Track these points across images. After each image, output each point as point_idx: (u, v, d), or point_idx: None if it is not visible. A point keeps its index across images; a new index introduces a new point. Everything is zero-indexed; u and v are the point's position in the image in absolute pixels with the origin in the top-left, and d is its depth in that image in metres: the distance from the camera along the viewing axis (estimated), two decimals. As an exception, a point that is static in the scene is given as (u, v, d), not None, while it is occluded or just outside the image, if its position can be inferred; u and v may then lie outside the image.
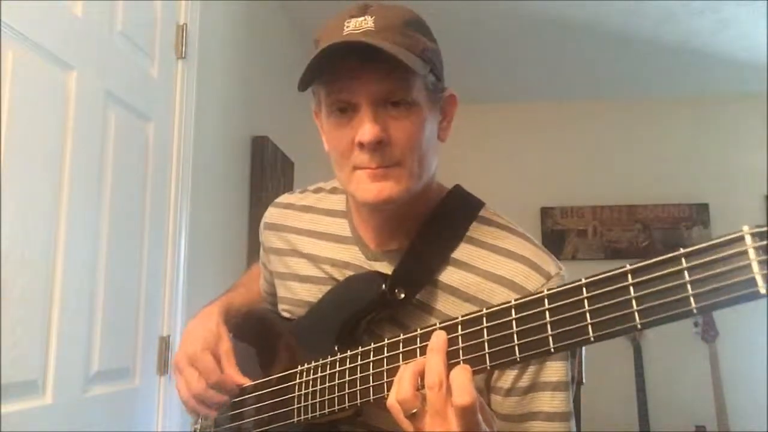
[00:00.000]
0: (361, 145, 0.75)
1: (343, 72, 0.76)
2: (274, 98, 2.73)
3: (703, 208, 4.07)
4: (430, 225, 0.85)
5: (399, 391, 0.63)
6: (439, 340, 0.63)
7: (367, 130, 0.75)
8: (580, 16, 3.10)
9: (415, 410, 0.62)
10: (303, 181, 2.89)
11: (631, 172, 4.17)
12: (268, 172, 2.60)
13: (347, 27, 0.76)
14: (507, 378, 0.79)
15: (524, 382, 0.79)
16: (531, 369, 0.79)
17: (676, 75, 3.85)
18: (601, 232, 4.15)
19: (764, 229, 0.46)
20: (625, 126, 4.24)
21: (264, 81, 2.69)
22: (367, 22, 0.76)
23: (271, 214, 1.03)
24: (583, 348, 1.51)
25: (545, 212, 4.20)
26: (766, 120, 3.86)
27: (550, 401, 0.78)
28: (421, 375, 0.63)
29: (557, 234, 4.14)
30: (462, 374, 0.60)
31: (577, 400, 1.48)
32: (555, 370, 0.79)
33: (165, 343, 1.76)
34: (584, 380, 1.49)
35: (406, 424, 0.64)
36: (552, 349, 0.57)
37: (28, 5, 1.25)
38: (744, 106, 4.06)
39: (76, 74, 1.40)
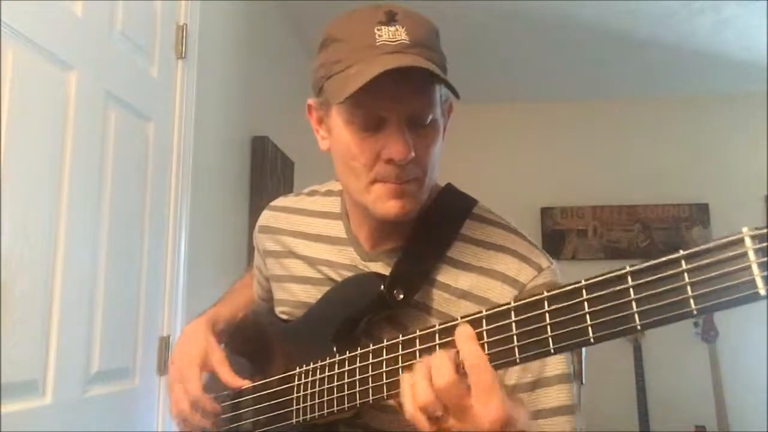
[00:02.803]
0: (391, 161, 0.76)
1: (377, 87, 0.72)
2: (274, 98, 2.73)
3: (703, 208, 4.07)
4: (425, 225, 0.85)
5: (418, 397, 0.61)
6: (467, 329, 0.63)
7: (401, 148, 0.75)
8: (580, 16, 3.10)
9: (439, 413, 0.61)
10: (303, 181, 2.89)
11: (631, 172, 4.17)
12: (268, 172, 2.60)
13: (379, 36, 0.75)
14: (511, 375, 0.80)
15: (529, 377, 0.79)
16: (535, 364, 0.79)
17: (676, 75, 3.85)
18: (601, 232, 4.15)
19: (764, 231, 0.46)
20: (625, 126, 4.24)
21: (264, 81, 2.69)
22: (399, 34, 0.75)
23: (266, 217, 1.03)
24: (583, 348, 1.51)
25: (545, 212, 4.20)
26: (766, 120, 3.86)
27: (557, 395, 0.79)
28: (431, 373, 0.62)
29: (557, 234, 4.14)
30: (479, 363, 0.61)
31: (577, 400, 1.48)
32: (557, 362, 0.79)
33: (165, 343, 1.75)
34: (584, 380, 1.49)
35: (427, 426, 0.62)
36: (552, 350, 0.58)
37: (28, 5, 1.25)
38: (744, 106, 4.06)
39: (76, 74, 1.40)
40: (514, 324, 0.61)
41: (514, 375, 0.80)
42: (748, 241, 0.46)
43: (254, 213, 2.41)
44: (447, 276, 0.83)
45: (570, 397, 0.79)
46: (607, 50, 3.49)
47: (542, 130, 4.30)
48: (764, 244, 0.45)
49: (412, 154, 0.76)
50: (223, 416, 0.95)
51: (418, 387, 0.62)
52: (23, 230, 1.22)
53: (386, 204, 0.78)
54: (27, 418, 1.22)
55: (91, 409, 1.43)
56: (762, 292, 0.45)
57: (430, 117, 0.78)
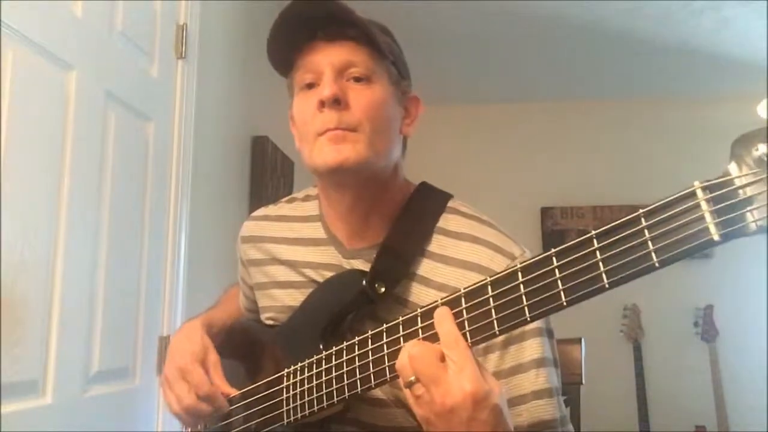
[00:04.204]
0: (322, 104, 0.80)
1: (310, 50, 0.83)
2: (274, 98, 2.72)
3: (703, 208, 4.07)
4: (403, 220, 0.88)
5: (398, 360, 0.65)
6: (443, 310, 0.66)
7: (326, 86, 0.80)
8: (580, 16, 3.10)
9: (412, 378, 0.63)
10: (303, 181, 2.89)
11: (631, 172, 4.16)
12: (268, 172, 2.60)
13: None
14: (490, 363, 0.81)
15: (507, 364, 0.80)
16: (512, 350, 0.80)
17: (676, 75, 3.85)
18: (601, 232, 4.15)
19: (713, 181, 0.50)
20: (626, 126, 4.23)
21: (264, 81, 2.69)
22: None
23: (248, 228, 1.05)
24: (583, 348, 1.51)
25: (545, 212, 4.20)
26: (766, 120, 3.85)
27: (535, 379, 0.80)
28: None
29: (557, 234, 4.14)
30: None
31: (576, 400, 1.48)
32: (535, 347, 0.80)
33: (165, 343, 1.75)
34: (584, 380, 1.49)
35: (409, 395, 0.65)
36: (528, 318, 0.60)
37: (28, 5, 1.25)
38: (744, 106, 4.05)
39: (76, 74, 1.40)
40: (491, 298, 0.63)
41: (492, 362, 0.81)
42: (699, 193, 0.50)
43: (254, 213, 2.41)
44: (426, 269, 0.85)
45: (549, 381, 0.80)
46: (607, 50, 3.49)
47: (542, 130, 4.30)
48: (714, 194, 0.49)
49: (340, 93, 0.80)
50: (217, 423, 0.95)
51: (401, 352, 0.66)
52: (23, 230, 1.22)
53: (324, 151, 0.81)
54: (27, 418, 1.22)
55: (91, 409, 1.43)
56: (716, 237, 0.48)
57: (365, 74, 0.83)
